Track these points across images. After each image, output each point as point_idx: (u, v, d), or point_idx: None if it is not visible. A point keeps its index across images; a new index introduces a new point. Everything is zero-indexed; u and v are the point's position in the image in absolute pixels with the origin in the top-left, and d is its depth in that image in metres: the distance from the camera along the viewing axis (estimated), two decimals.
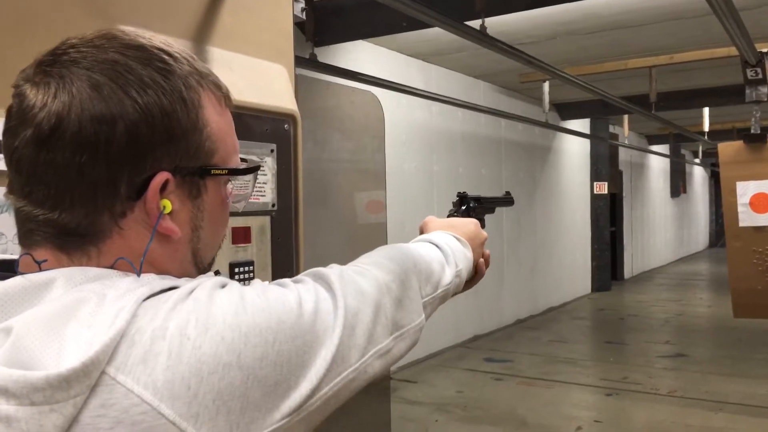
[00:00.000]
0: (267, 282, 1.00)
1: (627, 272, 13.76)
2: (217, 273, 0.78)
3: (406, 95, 6.21)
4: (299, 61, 4.51)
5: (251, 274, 1.36)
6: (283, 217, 1.45)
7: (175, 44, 0.72)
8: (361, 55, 6.05)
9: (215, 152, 0.72)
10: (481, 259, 1.15)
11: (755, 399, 5.51)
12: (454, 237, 1.08)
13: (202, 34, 1.31)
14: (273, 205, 1.43)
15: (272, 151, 1.41)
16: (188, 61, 0.71)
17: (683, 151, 17.33)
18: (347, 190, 3.20)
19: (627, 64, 7.08)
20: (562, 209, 10.67)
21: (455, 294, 1.06)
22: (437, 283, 0.93)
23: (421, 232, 1.12)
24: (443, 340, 7.35)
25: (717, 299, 10.81)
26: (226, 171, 0.73)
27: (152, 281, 0.65)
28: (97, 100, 0.63)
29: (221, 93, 0.75)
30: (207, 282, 0.65)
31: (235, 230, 1.34)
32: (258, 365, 0.61)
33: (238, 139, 1.38)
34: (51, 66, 0.65)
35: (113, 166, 0.64)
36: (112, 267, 0.66)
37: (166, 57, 0.68)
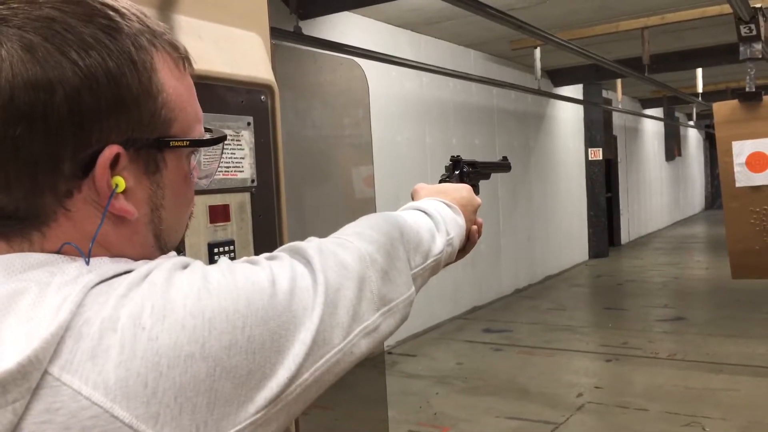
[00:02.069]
0: (241, 259, 0.92)
1: (624, 238, 13.77)
2: (180, 252, 0.71)
3: (396, 67, 6.11)
4: (283, 35, 4.41)
5: (232, 254, 1.30)
6: (264, 193, 1.39)
7: None
8: (348, 27, 5.94)
9: (173, 121, 0.63)
10: (474, 227, 1.09)
11: (755, 359, 5.52)
12: (445, 204, 1.01)
13: (166, 1, 1.23)
14: (252, 181, 1.36)
15: (249, 124, 1.34)
16: (138, 17, 0.62)
17: (677, 114, 17.25)
18: (332, 164, 3.13)
19: (618, 27, 6.98)
20: (557, 177, 10.62)
21: (447, 264, 1.00)
22: (427, 252, 0.87)
23: (413, 200, 1.06)
24: (441, 312, 7.34)
25: (714, 261, 10.83)
26: (187, 142, 0.65)
27: (102, 265, 0.58)
28: (30, 64, 0.55)
29: (179, 54, 0.66)
30: (166, 263, 0.59)
31: (212, 208, 1.27)
32: (225, 354, 0.54)
33: (212, 112, 1.33)
34: None
35: (53, 140, 0.56)
36: (58, 252, 0.59)
37: (111, 13, 0.60)
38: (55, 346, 0.50)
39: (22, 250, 0.59)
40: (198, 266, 0.60)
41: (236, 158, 1.32)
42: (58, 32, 0.56)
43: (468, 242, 1.08)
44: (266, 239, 1.36)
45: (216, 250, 1.27)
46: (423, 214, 0.94)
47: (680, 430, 4.21)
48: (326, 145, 3.13)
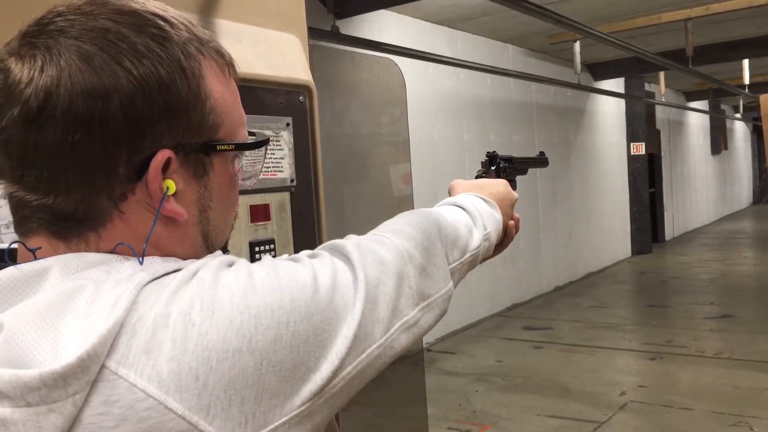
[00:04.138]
0: (283, 256, 0.94)
1: (668, 234, 13.48)
2: (225, 251, 0.74)
3: (432, 64, 6.10)
4: (321, 34, 4.45)
5: (273, 253, 1.32)
6: (303, 193, 1.41)
7: (172, 9, 0.65)
8: (384, 25, 5.95)
9: (220, 126, 0.66)
10: (511, 222, 1.09)
11: None
12: (482, 199, 1.02)
13: (208, 5, 1.26)
14: (292, 181, 1.38)
15: (288, 124, 1.36)
16: (186, 26, 0.65)
17: (723, 106, 16.81)
18: (370, 162, 3.15)
19: (661, 18, 6.83)
20: (599, 172, 10.45)
21: (485, 260, 1.01)
22: (465, 247, 0.88)
23: (450, 196, 1.06)
24: (481, 310, 7.31)
25: (763, 257, 10.53)
26: (233, 146, 0.67)
27: (154, 264, 0.60)
28: (88, 73, 0.57)
29: (224, 61, 0.68)
30: (212, 262, 0.61)
31: (253, 208, 1.30)
32: (272, 349, 0.56)
33: (252, 113, 1.35)
34: (36, 37, 0.59)
35: (109, 145, 0.59)
36: (112, 252, 0.62)
37: (161, 23, 0.62)
38: (111, 342, 0.52)
39: (78, 250, 0.61)
40: (243, 264, 0.62)
41: (276, 158, 1.34)
42: (113, 42, 0.59)
43: (505, 237, 1.08)
44: (305, 238, 1.38)
45: (257, 249, 1.29)
46: (460, 209, 0.95)
47: (727, 430, 4.11)
48: (364, 144, 3.15)
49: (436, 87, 6.66)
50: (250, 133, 0.73)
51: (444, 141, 6.76)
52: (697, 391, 4.83)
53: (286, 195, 1.37)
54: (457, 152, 6.92)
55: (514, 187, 1.21)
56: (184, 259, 0.65)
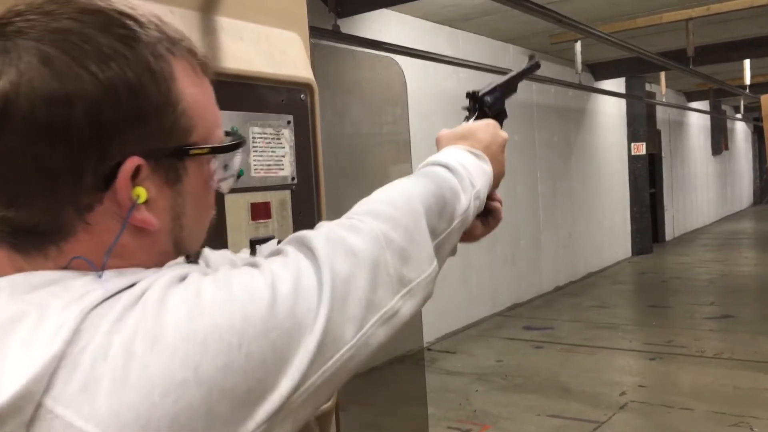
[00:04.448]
0: (242, 253, 0.90)
1: (668, 234, 13.47)
2: (188, 258, 0.69)
3: (433, 63, 6.10)
4: (322, 33, 4.45)
5: None
6: (304, 191, 1.41)
7: (140, 6, 0.62)
8: (385, 24, 5.94)
9: (193, 129, 0.62)
10: (497, 203, 1.00)
11: None
12: (469, 151, 0.93)
13: (210, 3, 1.26)
14: (293, 179, 1.38)
15: (289, 122, 1.36)
16: (156, 25, 0.61)
17: (724, 107, 16.79)
18: (370, 161, 3.14)
19: (662, 18, 6.83)
20: (599, 172, 10.44)
21: (473, 238, 0.95)
22: (452, 214, 0.80)
23: (437, 148, 0.99)
24: (481, 309, 7.30)
25: (763, 257, 10.53)
26: (208, 149, 0.64)
27: (109, 280, 0.56)
28: (49, 77, 0.54)
29: (197, 60, 0.65)
30: (163, 278, 0.56)
31: (254, 206, 1.30)
32: (222, 376, 0.51)
33: (254, 111, 1.35)
34: None
35: (74, 154, 0.55)
36: (66, 267, 0.58)
37: (129, 22, 0.59)
38: (48, 378, 0.49)
39: (36, 266, 0.58)
40: (193, 280, 0.57)
41: (277, 156, 1.34)
42: (76, 44, 0.55)
43: (492, 219, 1.00)
44: None
45: (258, 247, 1.29)
46: (444, 169, 0.86)
47: (727, 430, 4.11)
48: (364, 143, 3.15)
49: (437, 86, 6.66)
50: (227, 134, 0.69)
51: None
52: (698, 391, 4.83)
53: (287, 193, 1.37)
54: None
55: (505, 116, 1.12)
56: (150, 267, 0.61)
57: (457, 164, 0.88)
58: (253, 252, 1.29)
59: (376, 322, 0.64)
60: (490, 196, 0.98)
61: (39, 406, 0.49)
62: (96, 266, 0.58)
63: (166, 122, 0.60)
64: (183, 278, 0.57)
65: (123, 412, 0.49)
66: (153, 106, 0.59)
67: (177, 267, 0.61)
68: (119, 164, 0.57)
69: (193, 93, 0.63)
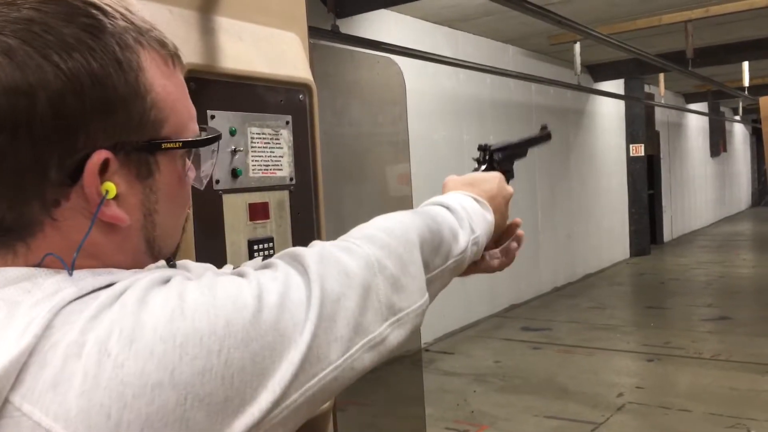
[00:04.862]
0: (226, 268, 0.89)
1: (666, 235, 13.48)
2: (170, 262, 0.68)
3: (433, 64, 6.09)
4: (321, 33, 4.44)
5: (272, 251, 1.32)
6: (303, 191, 1.40)
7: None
8: (385, 24, 5.94)
9: (164, 122, 0.61)
10: (514, 244, 1.02)
11: None
12: (472, 197, 0.94)
13: (209, 3, 1.26)
14: (291, 179, 1.38)
15: (288, 122, 1.36)
16: (123, 15, 0.59)
17: (722, 109, 16.81)
18: (369, 162, 3.14)
19: (661, 20, 6.84)
20: (598, 173, 10.45)
21: (481, 271, 0.97)
22: (447, 253, 0.81)
23: (443, 193, 0.99)
24: (479, 310, 7.31)
25: (761, 259, 10.54)
26: (180, 144, 0.62)
27: (83, 279, 0.55)
28: (10, 68, 0.52)
29: (167, 51, 0.63)
30: (143, 280, 0.55)
31: (252, 206, 1.29)
32: (198, 381, 0.50)
33: (252, 111, 1.35)
34: None
35: (38, 147, 0.54)
36: (39, 264, 0.56)
37: (94, 11, 0.57)
38: (16, 374, 0.48)
39: (6, 263, 0.57)
40: (176, 283, 0.56)
41: (275, 156, 1.34)
42: (38, 34, 0.54)
43: (508, 255, 1.03)
44: (304, 236, 1.38)
45: (255, 248, 1.29)
46: (445, 209, 0.87)
47: (724, 431, 4.12)
48: (363, 144, 3.15)
49: (436, 87, 6.66)
50: (202, 129, 0.67)
51: (444, 141, 6.75)
52: (695, 392, 4.83)
53: (285, 193, 1.37)
54: (456, 152, 6.92)
55: (512, 176, 1.14)
56: (126, 268, 0.60)
57: (459, 207, 0.89)
58: (252, 254, 1.29)
59: (363, 347, 0.63)
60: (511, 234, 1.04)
61: (6, 402, 0.48)
62: (68, 264, 0.56)
63: (134, 114, 0.58)
64: (166, 281, 0.56)
65: (93, 412, 0.47)
66: (120, 96, 0.57)
67: (159, 270, 0.60)
68: (86, 158, 0.56)
69: (164, 84, 0.61)
